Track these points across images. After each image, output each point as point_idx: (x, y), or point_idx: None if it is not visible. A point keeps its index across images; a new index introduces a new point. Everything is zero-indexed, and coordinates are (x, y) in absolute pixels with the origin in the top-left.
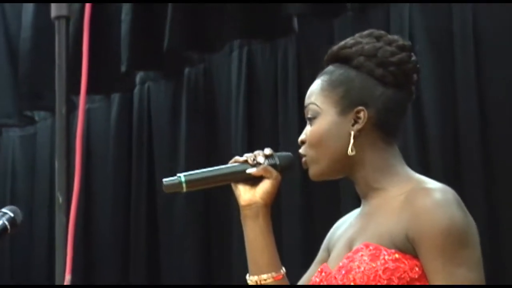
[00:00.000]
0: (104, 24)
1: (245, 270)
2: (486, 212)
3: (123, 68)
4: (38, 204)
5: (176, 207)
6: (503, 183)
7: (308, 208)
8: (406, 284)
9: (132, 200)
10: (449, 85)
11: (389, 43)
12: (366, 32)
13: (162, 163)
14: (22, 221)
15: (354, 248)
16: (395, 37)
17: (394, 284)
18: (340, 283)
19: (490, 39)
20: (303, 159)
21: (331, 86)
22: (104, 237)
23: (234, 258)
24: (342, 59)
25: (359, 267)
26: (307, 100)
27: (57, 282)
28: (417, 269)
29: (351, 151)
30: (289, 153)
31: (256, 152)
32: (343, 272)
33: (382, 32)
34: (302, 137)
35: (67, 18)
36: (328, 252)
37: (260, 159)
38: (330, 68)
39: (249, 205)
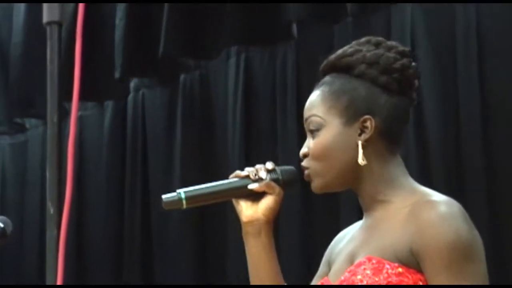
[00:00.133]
0: (97, 29)
1: (240, 278)
2: (488, 218)
3: (117, 74)
4: (29, 214)
5: (170, 215)
6: (506, 189)
7: (308, 220)
8: None
9: (126, 208)
10: (452, 89)
11: (389, 49)
12: (363, 39)
13: (157, 172)
14: (12, 232)
15: (357, 261)
16: (394, 43)
17: None
18: None
19: (494, 43)
20: (306, 172)
21: (334, 96)
22: (97, 245)
23: (230, 266)
24: (342, 68)
25: (361, 281)
26: (307, 113)
27: None
28: (420, 283)
29: (362, 160)
30: (292, 167)
31: (258, 167)
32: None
33: (380, 38)
34: (304, 150)
35: (59, 24)
36: (329, 266)
37: (262, 174)
38: (328, 78)
39: (251, 222)
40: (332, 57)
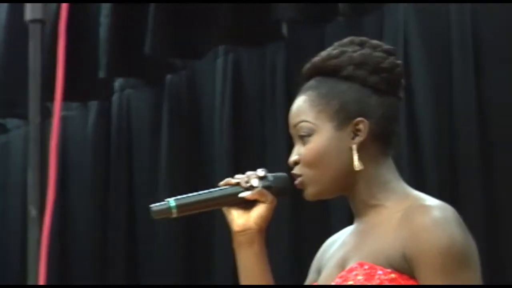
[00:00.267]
0: (81, 27)
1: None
2: (483, 220)
3: (101, 74)
4: (11, 217)
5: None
6: (501, 190)
7: (297, 226)
8: None
9: (110, 211)
10: (446, 90)
11: (375, 48)
12: (346, 40)
13: (142, 174)
14: None
15: (348, 267)
16: (377, 42)
17: None
18: None
19: (489, 43)
20: (299, 179)
21: (323, 101)
22: (81, 248)
23: (217, 268)
24: (328, 71)
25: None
26: (295, 119)
27: None
28: None
29: (360, 165)
30: (284, 174)
31: (249, 174)
32: None
33: (363, 38)
34: (294, 157)
35: (42, 22)
36: (319, 272)
37: (254, 181)
38: (313, 82)
39: (243, 231)
40: (317, 59)
